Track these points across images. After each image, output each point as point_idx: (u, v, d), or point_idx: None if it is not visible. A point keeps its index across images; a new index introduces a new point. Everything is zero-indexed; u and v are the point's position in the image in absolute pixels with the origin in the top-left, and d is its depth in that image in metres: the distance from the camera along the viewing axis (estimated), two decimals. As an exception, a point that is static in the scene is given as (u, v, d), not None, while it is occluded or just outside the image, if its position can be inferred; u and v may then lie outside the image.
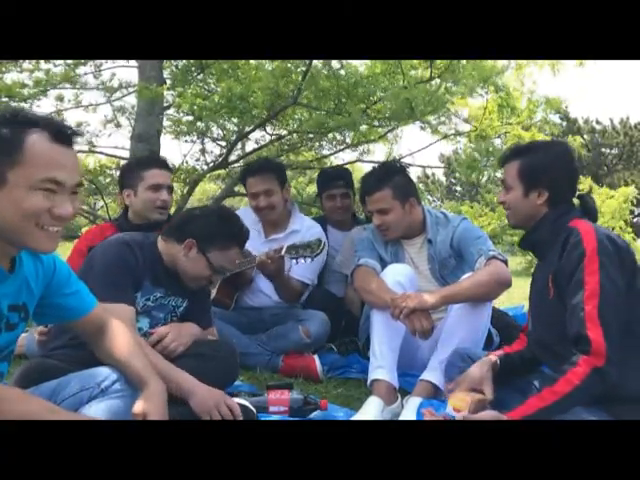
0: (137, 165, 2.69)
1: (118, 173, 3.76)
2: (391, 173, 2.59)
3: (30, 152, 1.20)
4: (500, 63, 4.69)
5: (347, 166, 5.60)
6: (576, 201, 1.90)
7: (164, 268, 2.08)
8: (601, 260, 1.62)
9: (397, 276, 2.39)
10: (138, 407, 1.44)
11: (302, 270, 2.95)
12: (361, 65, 4.73)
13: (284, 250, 2.62)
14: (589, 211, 1.83)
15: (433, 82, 4.22)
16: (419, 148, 8.56)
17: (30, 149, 1.20)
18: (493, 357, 1.94)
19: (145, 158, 2.88)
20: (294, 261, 2.63)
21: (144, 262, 2.02)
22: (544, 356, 1.88)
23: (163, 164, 2.70)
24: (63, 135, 1.25)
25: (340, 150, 5.91)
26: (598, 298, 1.60)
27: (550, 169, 1.82)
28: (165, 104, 4.67)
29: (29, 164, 1.19)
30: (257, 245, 2.95)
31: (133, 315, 1.94)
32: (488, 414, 1.61)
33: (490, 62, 4.58)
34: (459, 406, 1.73)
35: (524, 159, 1.87)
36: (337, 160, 6.21)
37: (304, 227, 3.06)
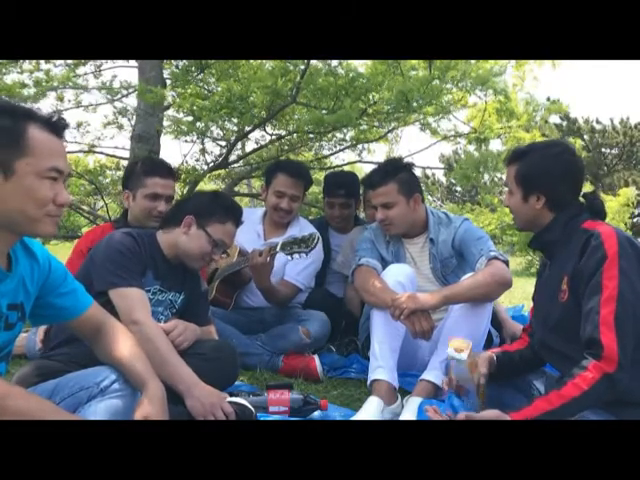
0: (141, 169, 2.62)
1: (124, 171, 3.68)
2: (397, 169, 2.60)
3: (33, 142, 1.25)
4: (498, 66, 4.69)
5: (348, 166, 5.61)
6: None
7: (164, 261, 2.13)
8: (621, 265, 1.59)
9: (398, 276, 2.39)
10: (139, 410, 1.44)
11: (295, 273, 2.96)
12: (361, 66, 4.73)
13: (279, 246, 2.62)
14: (597, 210, 1.80)
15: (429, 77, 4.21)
16: (419, 149, 8.58)
17: (32, 139, 1.25)
18: (490, 353, 1.93)
19: (150, 163, 2.73)
20: (289, 257, 2.62)
21: (146, 253, 2.06)
22: (550, 358, 1.87)
23: (166, 173, 2.60)
24: (56, 126, 1.30)
25: (340, 150, 5.90)
26: (615, 303, 1.57)
27: (546, 172, 1.80)
28: (165, 104, 4.66)
29: (35, 154, 1.25)
30: (256, 246, 2.95)
31: (147, 299, 1.97)
32: (491, 413, 1.60)
33: (488, 65, 4.58)
34: (460, 346, 1.74)
35: (521, 163, 1.84)
36: (337, 160, 6.20)
37: (302, 232, 3.06)
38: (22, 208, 1.24)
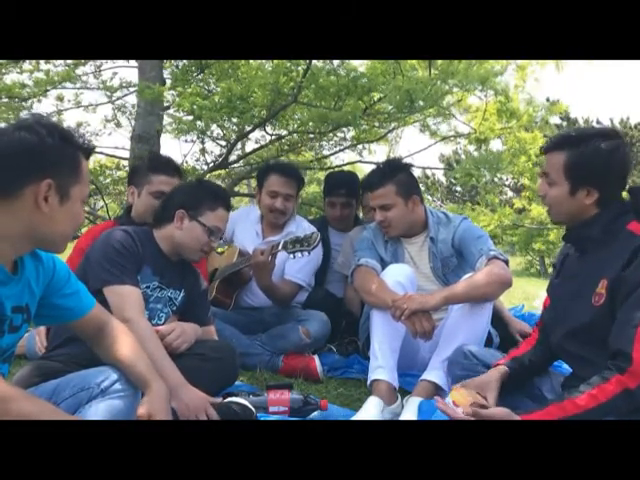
0: (148, 165, 2.63)
1: (130, 167, 3.70)
2: (395, 170, 2.59)
3: (83, 171, 1.35)
4: (499, 65, 4.68)
5: (348, 167, 5.61)
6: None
7: (163, 257, 2.13)
8: None
9: (397, 276, 2.39)
10: (142, 408, 1.44)
11: (295, 271, 2.96)
12: (361, 65, 4.73)
13: (281, 245, 2.62)
14: None
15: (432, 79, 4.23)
16: (419, 149, 8.61)
17: (83, 168, 1.35)
18: (504, 367, 1.88)
19: (157, 160, 2.75)
20: (291, 256, 2.63)
21: (144, 250, 2.06)
22: (569, 359, 1.82)
23: (173, 171, 2.62)
24: (90, 153, 1.40)
25: (340, 150, 5.90)
26: None
27: (603, 167, 1.64)
28: (165, 104, 4.67)
29: (83, 182, 1.35)
30: (255, 245, 2.95)
31: (141, 297, 1.97)
32: (501, 412, 1.57)
33: (488, 64, 4.58)
34: (459, 401, 1.71)
35: (573, 152, 1.66)
36: (337, 160, 6.21)
37: (300, 229, 3.08)
38: (65, 230, 1.34)
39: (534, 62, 4.69)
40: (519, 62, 4.79)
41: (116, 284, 1.91)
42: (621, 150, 1.67)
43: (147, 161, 2.70)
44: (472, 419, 1.56)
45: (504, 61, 4.70)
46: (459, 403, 1.69)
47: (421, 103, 4.01)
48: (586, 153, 1.65)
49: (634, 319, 1.51)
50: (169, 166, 2.65)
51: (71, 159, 1.32)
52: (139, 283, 2.02)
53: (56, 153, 1.29)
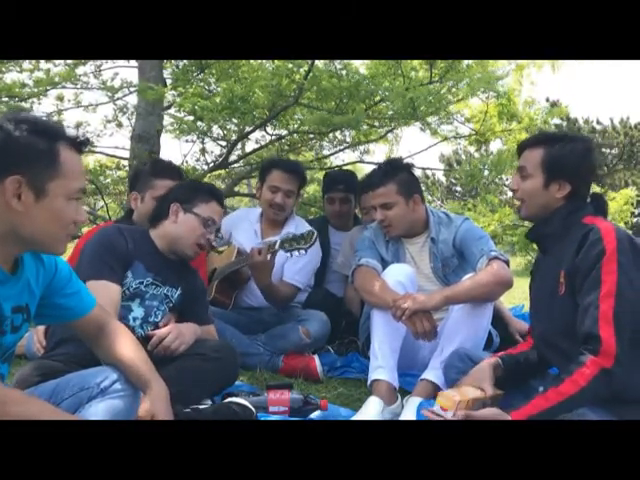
0: (151, 171, 2.63)
1: (131, 172, 3.72)
2: (396, 169, 2.59)
3: (65, 164, 1.26)
4: (501, 69, 4.69)
5: (348, 167, 5.61)
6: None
7: (159, 255, 2.14)
8: (620, 260, 1.60)
9: (398, 276, 2.39)
10: (144, 408, 1.44)
11: (293, 273, 2.96)
12: (362, 65, 4.73)
13: (278, 244, 2.62)
14: (600, 210, 1.80)
15: (435, 84, 4.23)
16: (419, 149, 8.61)
17: (65, 161, 1.26)
18: (495, 358, 1.92)
19: (160, 165, 2.76)
20: (288, 254, 2.62)
21: (135, 246, 2.07)
22: (548, 352, 1.85)
23: (176, 175, 2.63)
24: (81, 145, 1.32)
25: (340, 150, 5.90)
26: (614, 298, 1.57)
27: (577, 162, 1.77)
28: (166, 104, 4.67)
29: (66, 175, 1.26)
30: (254, 245, 2.95)
31: (118, 294, 1.97)
32: (491, 412, 1.60)
33: (491, 68, 4.59)
34: (446, 405, 1.72)
35: (550, 148, 1.79)
36: (337, 160, 6.20)
37: (299, 229, 3.07)
38: (48, 229, 1.27)
39: (531, 64, 4.70)
40: (517, 62, 4.79)
41: (93, 279, 1.91)
42: (593, 153, 1.83)
43: (149, 166, 2.71)
44: (461, 419, 1.58)
45: (507, 64, 4.71)
46: (446, 407, 1.71)
47: (423, 108, 4.01)
48: (563, 150, 1.78)
49: (594, 301, 1.60)
50: (172, 170, 2.67)
51: (45, 153, 1.24)
52: (125, 279, 2.02)
53: (25, 148, 1.22)
